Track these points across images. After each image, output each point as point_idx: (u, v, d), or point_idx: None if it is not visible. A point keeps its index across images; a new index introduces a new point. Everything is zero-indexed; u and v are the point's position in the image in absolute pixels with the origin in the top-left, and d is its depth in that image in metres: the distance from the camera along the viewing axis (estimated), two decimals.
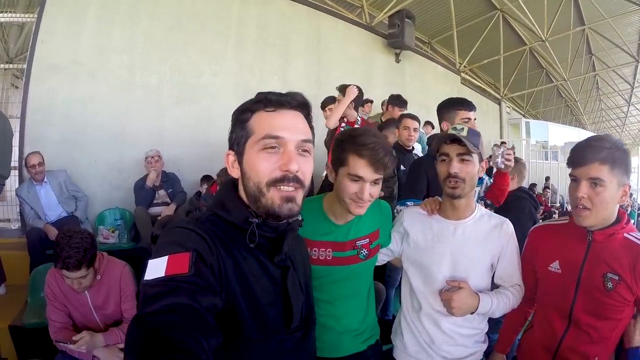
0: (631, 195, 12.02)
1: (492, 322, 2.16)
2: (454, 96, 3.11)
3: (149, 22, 6.63)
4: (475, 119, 2.91)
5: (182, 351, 0.87)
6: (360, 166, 1.71)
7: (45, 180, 5.22)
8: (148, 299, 0.99)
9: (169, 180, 6.00)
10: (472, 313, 1.88)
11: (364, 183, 1.72)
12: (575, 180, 1.78)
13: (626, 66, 16.09)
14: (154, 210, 5.67)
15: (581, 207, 1.75)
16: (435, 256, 1.99)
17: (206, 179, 6.11)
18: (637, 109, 22.50)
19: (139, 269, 3.15)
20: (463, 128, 1.92)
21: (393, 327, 2.25)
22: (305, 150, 1.24)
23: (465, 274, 1.94)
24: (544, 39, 12.10)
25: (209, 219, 1.25)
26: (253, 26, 7.85)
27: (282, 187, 1.20)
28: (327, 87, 4.96)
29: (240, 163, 1.26)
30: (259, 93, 1.27)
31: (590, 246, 1.82)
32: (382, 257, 2.19)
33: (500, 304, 1.93)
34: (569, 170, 1.83)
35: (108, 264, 2.92)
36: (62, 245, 2.58)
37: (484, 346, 2.08)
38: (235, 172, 1.28)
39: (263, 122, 1.22)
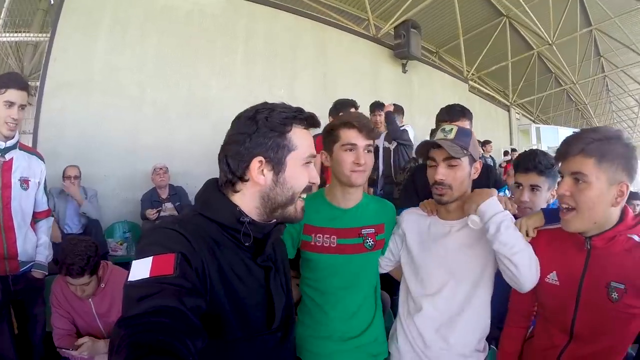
0: None
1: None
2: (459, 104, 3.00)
3: (159, 40, 6.74)
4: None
5: (169, 353, 0.88)
6: (352, 135, 1.84)
7: None
8: (133, 300, 1.00)
9: (176, 194, 6.07)
10: (476, 210, 1.77)
11: (359, 149, 1.84)
12: (562, 176, 1.63)
13: (636, 66, 15.80)
14: None
15: (565, 206, 1.60)
16: (431, 257, 1.94)
17: None
18: None
19: None
20: (452, 129, 1.87)
21: (390, 333, 2.19)
22: None
23: (462, 275, 1.88)
24: (551, 42, 12.11)
25: (193, 220, 1.25)
26: (260, 40, 7.92)
27: (302, 196, 1.36)
28: (334, 99, 4.99)
29: (276, 172, 1.29)
30: (284, 105, 1.32)
31: (590, 255, 1.63)
32: (386, 263, 2.14)
33: (517, 234, 1.74)
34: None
35: (112, 272, 2.95)
36: (67, 252, 2.62)
37: (483, 355, 1.98)
38: (261, 179, 1.27)
39: (304, 139, 1.33)
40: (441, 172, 1.84)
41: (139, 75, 6.57)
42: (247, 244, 1.28)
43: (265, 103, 1.32)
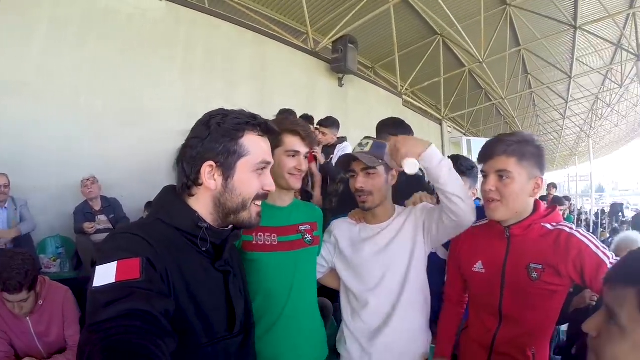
0: (569, 199, 12.45)
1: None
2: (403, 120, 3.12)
3: (97, 44, 6.45)
4: None
5: (144, 356, 0.89)
6: (296, 142, 1.96)
7: (6, 205, 5.13)
8: (100, 305, 0.98)
9: (109, 205, 5.84)
10: (419, 155, 1.85)
11: (300, 156, 1.97)
12: (485, 175, 1.84)
13: (560, 83, 16.96)
14: (96, 237, 5.44)
15: (490, 200, 1.81)
16: (366, 255, 2.10)
17: (150, 205, 5.67)
18: (572, 122, 23.55)
19: (83, 298, 3.07)
20: (367, 143, 2.05)
21: (337, 337, 2.28)
22: None
23: (396, 263, 2.06)
24: (481, 60, 12.53)
25: (153, 225, 1.26)
26: (200, 50, 7.82)
27: (257, 203, 1.38)
28: (270, 112, 5.00)
29: (225, 177, 1.30)
30: (244, 111, 1.37)
31: (510, 242, 1.85)
32: (318, 269, 2.22)
33: (454, 175, 1.89)
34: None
35: (50, 288, 2.83)
36: (3, 266, 2.50)
37: (428, 337, 2.17)
38: (212, 184, 1.29)
39: (257, 145, 1.35)
40: (360, 181, 2.05)
41: (74, 80, 6.25)
42: (204, 249, 1.29)
43: (221, 109, 1.36)
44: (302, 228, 2.04)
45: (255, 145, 1.34)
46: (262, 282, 1.89)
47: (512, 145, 1.76)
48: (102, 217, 5.73)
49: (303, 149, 1.98)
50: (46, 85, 6.02)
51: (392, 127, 3.00)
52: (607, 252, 1.67)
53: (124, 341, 0.90)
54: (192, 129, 1.35)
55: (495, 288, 1.87)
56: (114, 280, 1.02)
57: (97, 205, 5.76)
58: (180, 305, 1.17)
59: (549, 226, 1.81)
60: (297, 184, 1.99)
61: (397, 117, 3.15)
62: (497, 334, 1.90)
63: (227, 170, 1.30)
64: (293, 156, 1.96)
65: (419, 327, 2.13)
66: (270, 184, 1.39)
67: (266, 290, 1.90)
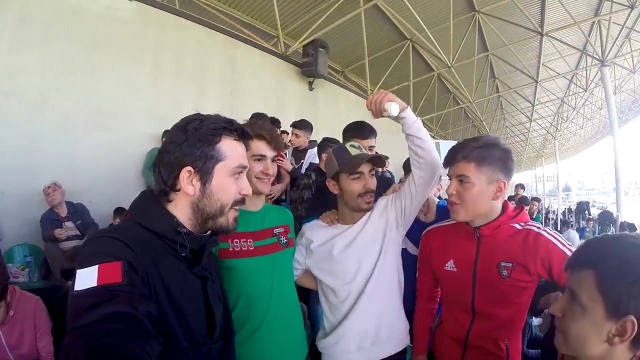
0: (539, 200, 12.70)
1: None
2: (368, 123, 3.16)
3: (65, 44, 6.25)
4: (373, 146, 3.02)
5: (129, 359, 0.89)
6: (262, 147, 1.96)
7: None
8: (82, 309, 0.97)
9: (76, 211, 5.68)
10: (401, 111, 1.98)
11: (267, 160, 1.98)
12: (450, 179, 1.91)
13: (527, 87, 17.48)
14: (65, 244, 5.30)
15: (452, 203, 1.89)
16: (337, 252, 2.15)
17: (119, 211, 5.73)
18: (539, 124, 24.19)
19: (52, 307, 3.04)
20: (359, 146, 2.17)
21: (318, 336, 2.30)
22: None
23: (369, 250, 2.12)
24: (450, 65, 12.81)
25: (132, 229, 1.24)
26: (170, 52, 7.69)
27: (236, 208, 1.39)
28: (241, 115, 4.95)
29: (203, 182, 1.30)
30: (219, 116, 1.38)
31: (480, 242, 1.91)
32: (294, 272, 2.23)
33: (422, 126, 2.04)
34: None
35: (21, 298, 2.75)
36: None
37: (407, 326, 2.24)
38: (190, 189, 1.28)
39: (233, 149, 1.34)
40: (372, 182, 2.12)
41: (42, 81, 6.05)
42: (183, 254, 1.29)
43: (198, 114, 1.36)
44: (276, 231, 2.05)
45: (232, 150, 1.34)
46: (242, 288, 1.89)
47: (472, 151, 1.82)
48: (69, 224, 5.57)
49: (269, 153, 1.99)
50: (12, 85, 5.81)
51: (355, 131, 3.08)
52: (572, 249, 1.74)
53: (108, 344, 0.90)
54: (169, 133, 1.35)
55: (467, 286, 1.93)
56: (95, 284, 1.01)
57: (63, 212, 5.58)
58: (162, 308, 1.16)
59: (517, 226, 1.88)
60: (265, 188, 2.01)
61: (360, 120, 3.21)
62: (470, 329, 1.97)
63: (204, 175, 1.30)
64: (259, 160, 1.97)
65: (396, 312, 2.19)
66: (247, 188, 1.39)
67: (247, 296, 1.89)
